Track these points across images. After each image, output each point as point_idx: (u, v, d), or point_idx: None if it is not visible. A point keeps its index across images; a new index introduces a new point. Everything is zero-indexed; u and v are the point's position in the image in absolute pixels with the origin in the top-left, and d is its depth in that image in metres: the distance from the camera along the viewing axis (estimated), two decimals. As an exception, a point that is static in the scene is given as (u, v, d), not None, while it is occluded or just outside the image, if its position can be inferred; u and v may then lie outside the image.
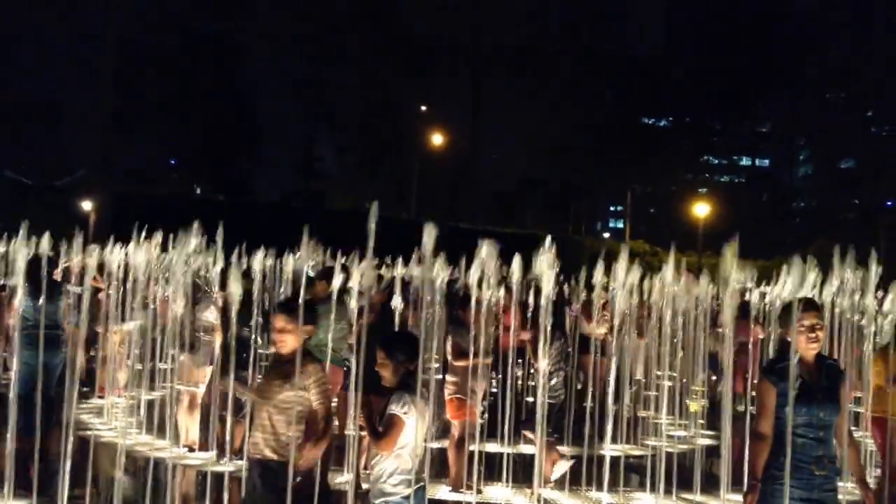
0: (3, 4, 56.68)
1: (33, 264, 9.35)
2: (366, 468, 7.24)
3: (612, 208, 74.93)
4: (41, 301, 9.08)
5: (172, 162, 62.17)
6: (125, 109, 56.06)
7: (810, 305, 5.29)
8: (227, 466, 8.79)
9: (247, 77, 60.02)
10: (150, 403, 11.29)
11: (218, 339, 9.32)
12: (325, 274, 9.44)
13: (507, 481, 8.98)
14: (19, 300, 8.84)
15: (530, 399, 9.91)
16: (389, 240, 8.67)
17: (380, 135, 56.00)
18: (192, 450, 9.36)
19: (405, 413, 5.16)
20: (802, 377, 5.13)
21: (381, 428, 5.18)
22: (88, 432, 10.03)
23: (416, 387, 5.27)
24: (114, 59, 58.69)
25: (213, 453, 9.18)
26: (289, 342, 5.52)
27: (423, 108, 54.54)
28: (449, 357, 8.73)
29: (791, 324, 5.16)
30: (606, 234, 67.40)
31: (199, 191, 56.24)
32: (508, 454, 9.08)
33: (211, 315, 9.44)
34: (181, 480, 8.66)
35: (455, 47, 57.13)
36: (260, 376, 9.37)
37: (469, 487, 8.23)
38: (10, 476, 7.64)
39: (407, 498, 5.17)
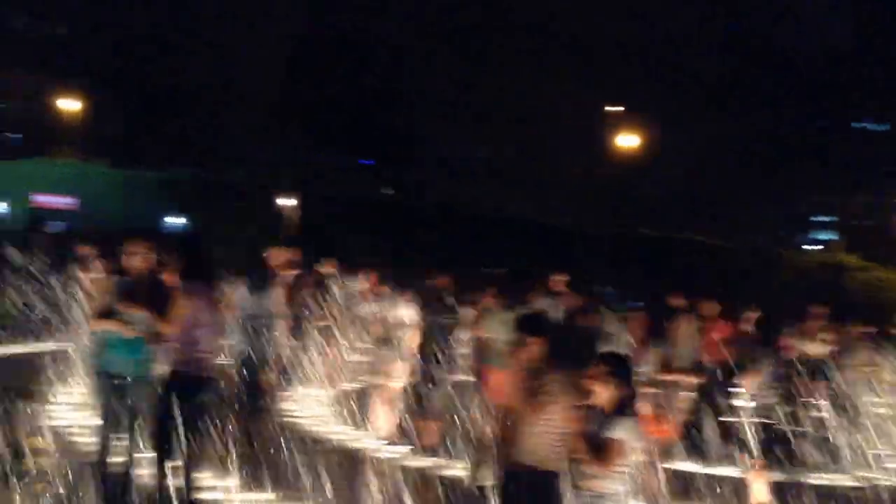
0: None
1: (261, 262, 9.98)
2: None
3: (816, 219, 70.11)
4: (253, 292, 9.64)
5: (361, 162, 64.61)
6: (314, 112, 58.77)
7: None
8: (421, 462, 8.93)
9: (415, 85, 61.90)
10: (348, 395, 11.67)
11: (413, 337, 9.44)
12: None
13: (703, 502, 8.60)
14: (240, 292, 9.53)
15: (734, 419, 9.46)
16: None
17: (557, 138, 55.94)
18: (387, 442, 9.50)
19: (631, 438, 5.03)
20: None
21: (602, 450, 5.02)
22: (290, 419, 10.43)
23: (633, 409, 5.11)
24: (302, 62, 61.47)
25: (407, 447, 9.29)
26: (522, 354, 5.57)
27: (608, 108, 53.65)
28: (651, 368, 8.43)
29: None
30: (811, 247, 63.53)
31: (388, 191, 58.01)
32: (709, 474, 8.70)
33: (406, 312, 9.56)
34: (375, 471, 8.83)
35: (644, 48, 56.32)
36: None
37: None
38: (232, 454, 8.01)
39: None
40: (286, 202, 37.89)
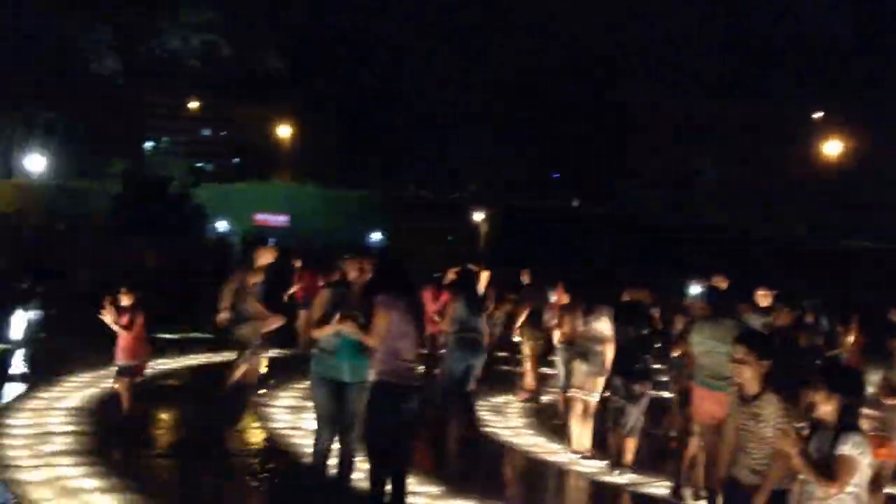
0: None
1: (467, 277, 10.43)
2: None
3: None
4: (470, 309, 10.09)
5: (554, 175, 65.03)
6: (510, 126, 59.77)
7: None
8: (618, 478, 8.92)
9: (624, 97, 61.46)
10: (545, 407, 11.87)
11: (610, 350, 9.43)
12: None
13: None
14: (455, 307, 10.03)
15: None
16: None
17: (761, 147, 53.88)
18: (584, 457, 9.55)
19: (860, 454, 4.80)
20: None
21: (830, 469, 4.87)
22: (488, 429, 10.71)
23: (858, 424, 4.92)
24: (499, 82, 62.53)
25: (605, 463, 9.29)
26: (745, 373, 5.45)
27: (816, 115, 51.14)
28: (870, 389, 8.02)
29: None
30: None
31: (575, 203, 57.94)
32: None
33: (604, 326, 9.58)
34: (571, 486, 8.92)
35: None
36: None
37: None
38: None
39: None
40: (480, 216, 38.65)
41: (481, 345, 10.45)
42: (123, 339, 9.22)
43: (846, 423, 4.86)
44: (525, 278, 14.04)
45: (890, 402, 7.72)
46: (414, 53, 61.53)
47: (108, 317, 9.13)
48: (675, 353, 9.02)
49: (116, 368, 9.36)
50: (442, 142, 61.53)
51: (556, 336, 11.22)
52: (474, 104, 60.73)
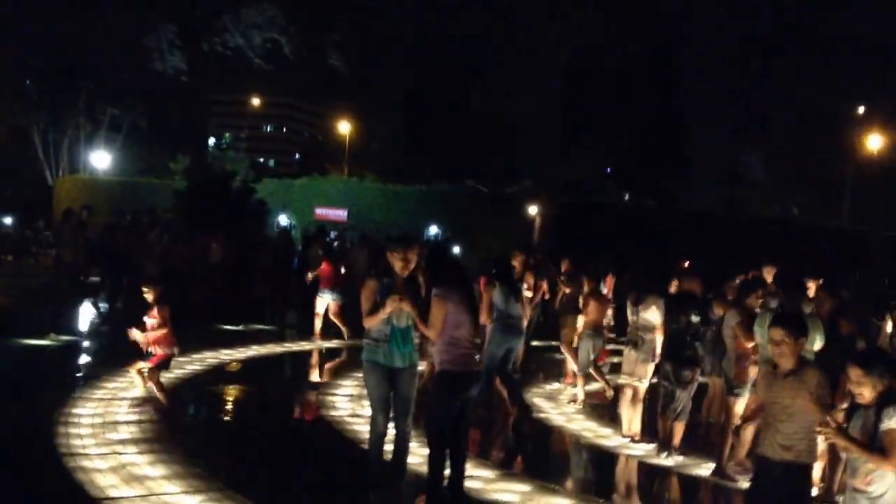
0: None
1: (504, 266, 10.72)
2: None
3: None
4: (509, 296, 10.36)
5: (608, 170, 64.89)
6: (566, 124, 59.86)
7: None
8: (667, 461, 9.08)
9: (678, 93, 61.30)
10: (595, 393, 12.05)
11: (660, 338, 9.57)
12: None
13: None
14: (493, 295, 10.29)
15: None
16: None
17: (810, 140, 52.93)
18: (633, 440, 9.72)
19: None
20: None
21: (881, 446, 5.00)
22: (540, 414, 10.93)
23: None
24: (558, 80, 62.54)
25: (653, 446, 9.45)
26: (784, 353, 5.62)
27: (861, 109, 50.12)
28: None
29: None
30: None
31: (626, 197, 57.66)
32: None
33: (653, 315, 9.71)
34: (622, 469, 9.09)
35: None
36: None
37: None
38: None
39: None
40: (536, 209, 38.68)
41: (520, 329, 10.78)
42: (156, 334, 9.73)
43: (888, 400, 4.99)
44: (564, 266, 14.28)
45: None
46: (481, 51, 61.68)
47: (136, 336, 9.69)
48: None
49: (149, 364, 9.78)
50: (504, 139, 61.68)
51: (580, 322, 11.54)
52: (536, 104, 60.76)
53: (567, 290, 13.04)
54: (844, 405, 7.81)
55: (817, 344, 7.93)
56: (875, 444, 4.95)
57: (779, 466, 5.56)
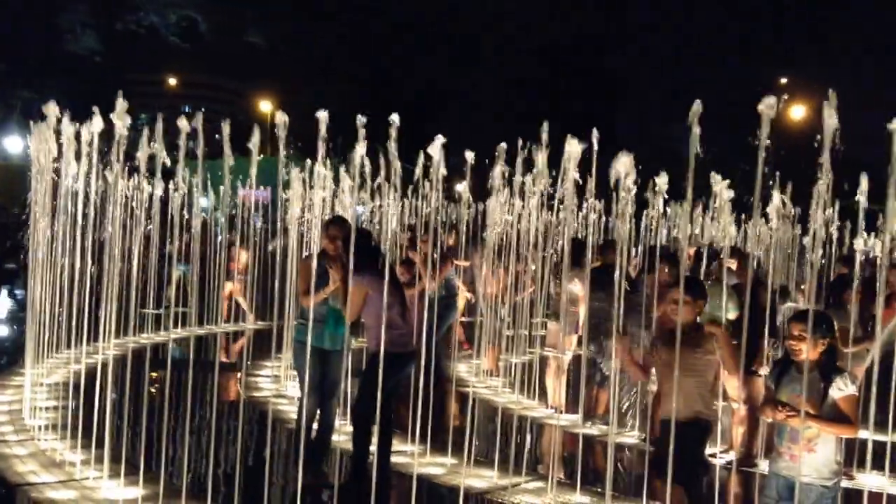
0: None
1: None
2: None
3: None
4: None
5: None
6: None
7: None
8: (591, 430, 9.26)
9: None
10: (521, 366, 12.18)
11: (583, 310, 9.70)
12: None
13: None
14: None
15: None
16: None
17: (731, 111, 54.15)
18: (558, 411, 9.88)
19: (849, 390, 5.14)
20: None
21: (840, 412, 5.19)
22: (466, 389, 11.01)
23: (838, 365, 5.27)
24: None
25: (578, 416, 9.61)
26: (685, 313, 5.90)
27: (783, 80, 51.28)
28: None
29: None
30: None
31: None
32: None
33: (576, 287, 9.85)
34: (547, 439, 9.24)
35: None
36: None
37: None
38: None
39: (832, 487, 5.23)
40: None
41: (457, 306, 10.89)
42: None
43: (831, 363, 5.18)
44: (450, 242, 14.27)
45: (847, 350, 8.03)
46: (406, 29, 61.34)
47: None
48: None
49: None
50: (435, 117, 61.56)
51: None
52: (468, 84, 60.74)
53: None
54: (763, 371, 8.08)
55: (732, 313, 8.14)
56: (826, 411, 5.11)
57: (681, 424, 5.74)
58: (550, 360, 9.99)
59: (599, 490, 7.34)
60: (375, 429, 7.29)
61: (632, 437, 9.09)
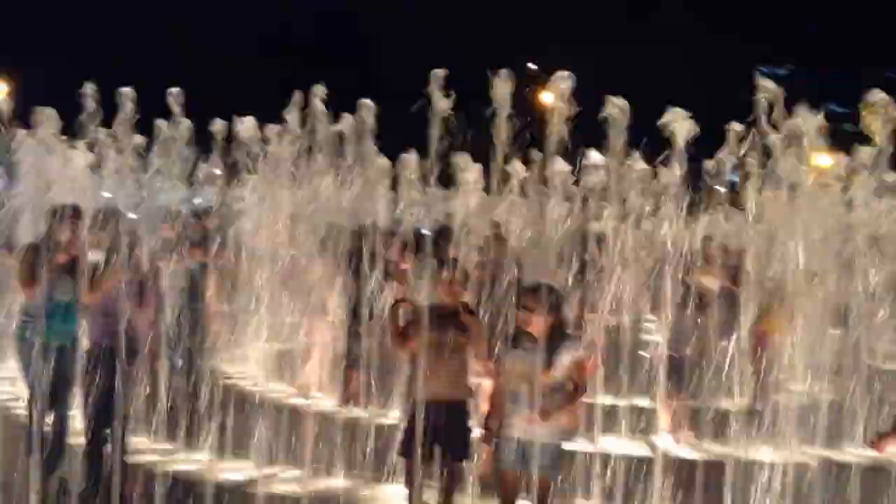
0: None
1: None
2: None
3: None
4: None
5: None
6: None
7: None
8: (349, 413, 9.29)
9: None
10: (279, 354, 12.00)
11: (337, 296, 9.75)
12: None
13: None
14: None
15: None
16: None
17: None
18: (317, 397, 9.86)
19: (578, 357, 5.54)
20: None
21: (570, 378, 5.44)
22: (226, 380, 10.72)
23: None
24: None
25: (334, 401, 9.66)
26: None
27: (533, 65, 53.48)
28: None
29: None
30: None
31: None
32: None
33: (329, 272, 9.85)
34: (307, 425, 9.16)
35: None
36: None
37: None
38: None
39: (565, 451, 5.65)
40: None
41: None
42: None
43: (559, 336, 5.44)
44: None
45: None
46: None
47: None
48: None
49: None
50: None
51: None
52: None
53: None
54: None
55: None
56: (557, 376, 5.37)
57: (444, 405, 5.89)
58: (309, 348, 9.93)
59: (356, 473, 7.38)
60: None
61: (393, 419, 9.19)
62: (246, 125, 8.93)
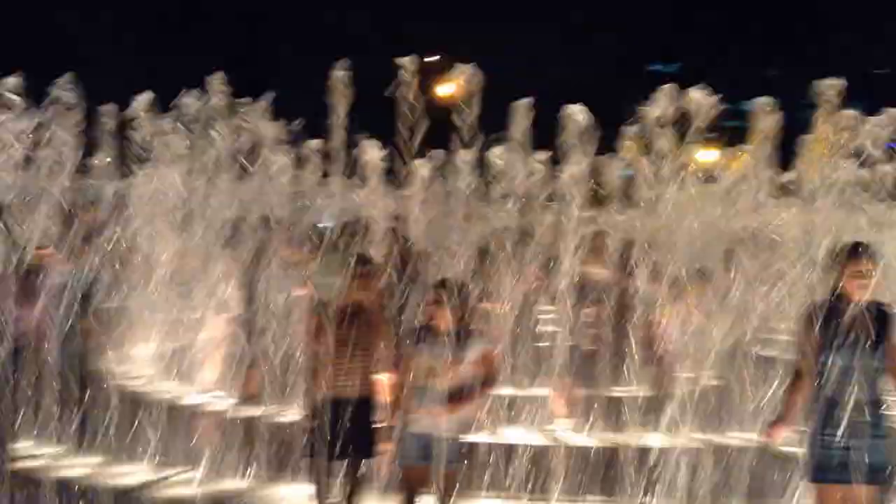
0: None
1: None
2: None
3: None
4: None
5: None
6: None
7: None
8: (245, 411, 9.12)
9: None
10: (175, 352, 11.69)
11: (236, 293, 9.58)
12: None
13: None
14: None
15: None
16: None
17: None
18: (215, 396, 9.67)
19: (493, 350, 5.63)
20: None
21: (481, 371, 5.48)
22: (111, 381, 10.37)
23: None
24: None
25: (232, 399, 9.49)
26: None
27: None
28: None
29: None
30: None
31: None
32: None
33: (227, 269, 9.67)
34: (203, 425, 8.97)
35: None
36: None
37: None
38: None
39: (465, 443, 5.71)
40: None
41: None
42: None
43: (467, 329, 5.50)
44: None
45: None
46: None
47: None
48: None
49: None
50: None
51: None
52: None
53: None
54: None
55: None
56: (465, 369, 5.42)
57: (350, 402, 5.89)
58: (204, 346, 9.70)
59: (253, 473, 7.27)
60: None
61: (292, 416, 9.07)
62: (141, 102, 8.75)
